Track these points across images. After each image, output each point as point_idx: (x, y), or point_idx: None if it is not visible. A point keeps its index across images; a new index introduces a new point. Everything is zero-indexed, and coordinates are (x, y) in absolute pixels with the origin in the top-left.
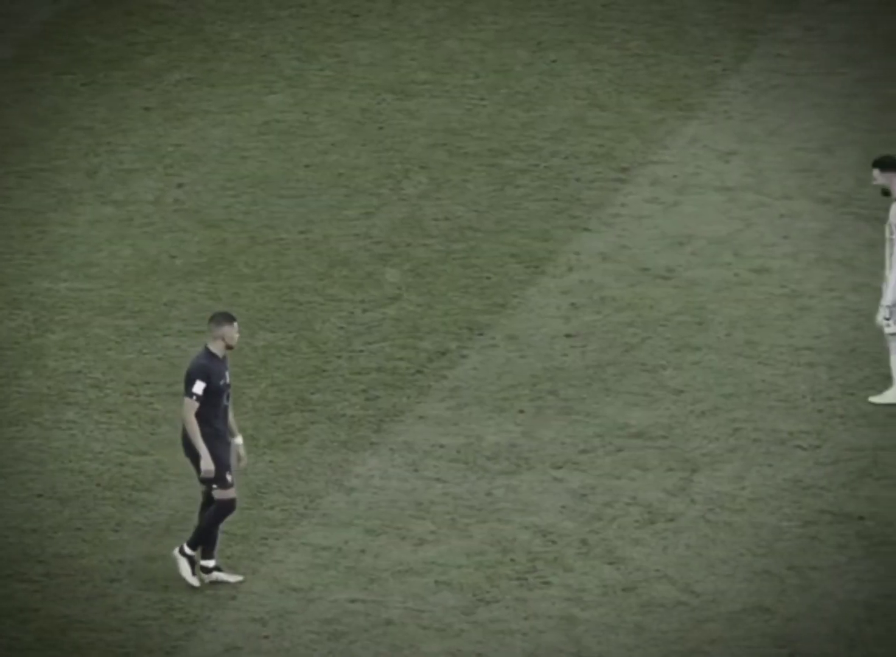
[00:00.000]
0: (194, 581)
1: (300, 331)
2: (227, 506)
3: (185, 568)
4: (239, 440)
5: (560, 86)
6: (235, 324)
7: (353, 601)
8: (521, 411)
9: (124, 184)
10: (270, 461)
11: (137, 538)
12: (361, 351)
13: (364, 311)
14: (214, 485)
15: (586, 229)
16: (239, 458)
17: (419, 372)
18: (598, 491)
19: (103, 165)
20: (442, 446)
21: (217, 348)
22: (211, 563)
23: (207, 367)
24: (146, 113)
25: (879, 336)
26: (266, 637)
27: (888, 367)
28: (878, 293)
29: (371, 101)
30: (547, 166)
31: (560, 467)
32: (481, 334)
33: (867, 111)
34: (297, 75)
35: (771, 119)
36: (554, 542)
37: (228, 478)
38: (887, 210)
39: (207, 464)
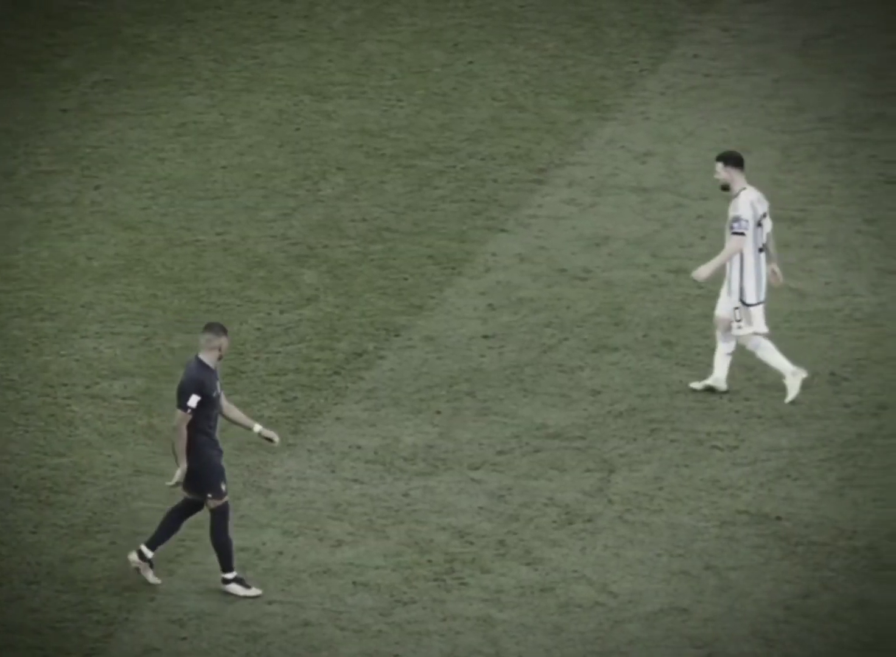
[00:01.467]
0: (254, 591)
1: None
2: (224, 513)
3: (239, 590)
4: (258, 427)
5: (477, 87)
6: (227, 335)
7: (270, 602)
8: (439, 412)
9: (42, 185)
10: None
11: (55, 540)
12: (278, 352)
13: (281, 312)
14: (209, 496)
15: (503, 230)
16: (270, 440)
17: (336, 373)
18: (516, 492)
19: (21, 167)
20: (359, 447)
21: (210, 359)
22: (150, 554)
23: (202, 381)
24: (63, 114)
25: (790, 335)
26: (184, 638)
27: (805, 366)
28: (794, 293)
29: (288, 103)
30: (464, 167)
31: (477, 468)
32: (398, 335)
33: (783, 112)
34: (215, 77)
35: (688, 120)
36: (471, 543)
37: (222, 487)
38: (802, 211)
39: (180, 475)
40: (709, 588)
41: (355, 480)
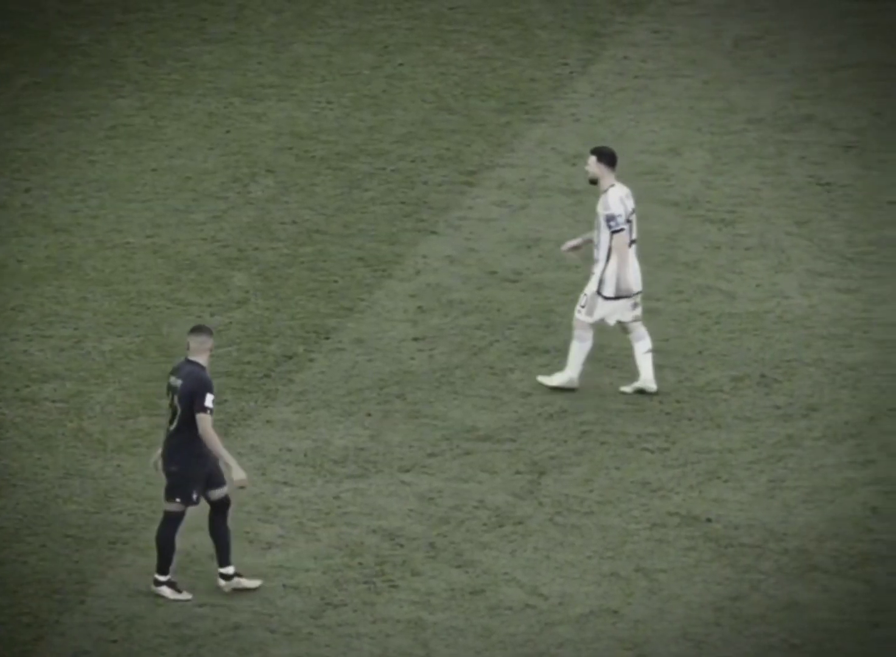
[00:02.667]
0: (185, 595)
1: (148, 335)
2: (179, 519)
3: (170, 594)
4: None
5: (407, 89)
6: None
7: (201, 605)
8: (369, 415)
9: None
10: (118, 465)
11: None
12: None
13: (211, 314)
14: (177, 499)
15: (434, 232)
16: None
17: (266, 376)
18: (446, 494)
19: None
20: (290, 450)
21: (204, 360)
22: (231, 570)
23: (210, 381)
24: None
25: (720, 337)
26: (114, 641)
27: (736, 368)
28: (725, 295)
29: (218, 105)
30: (394, 170)
31: (408, 471)
32: (328, 338)
33: (713, 114)
34: (145, 79)
35: (617, 122)
36: (402, 546)
37: (193, 495)
38: (732, 212)
39: (239, 472)
40: (639, 590)
41: (285, 483)
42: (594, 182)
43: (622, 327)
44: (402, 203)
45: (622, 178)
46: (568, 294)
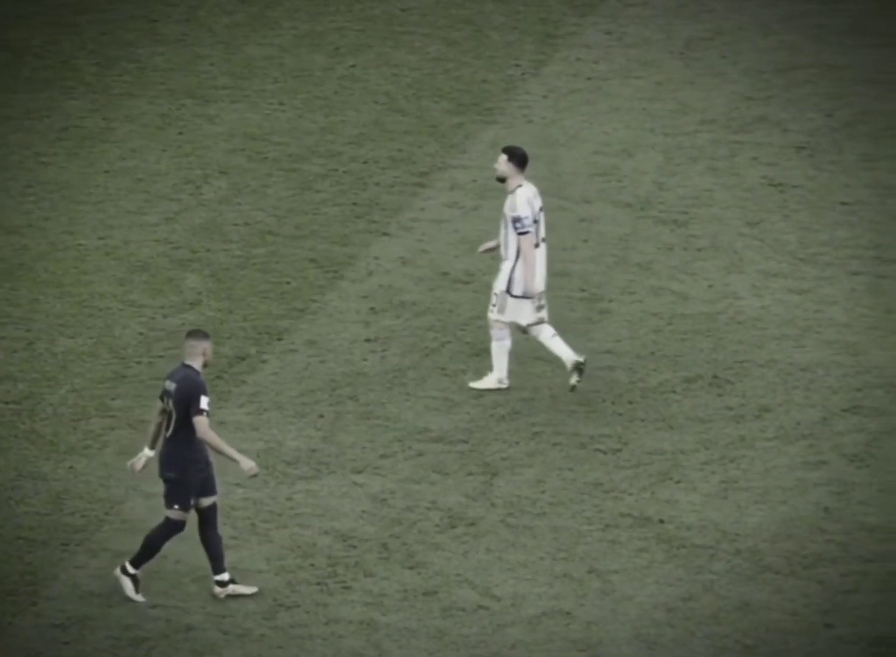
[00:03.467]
0: (139, 597)
1: (100, 336)
2: (177, 527)
3: (129, 588)
4: (151, 452)
5: (359, 90)
6: (210, 340)
7: (153, 606)
8: (321, 416)
9: None
10: (70, 467)
11: None
12: (161, 356)
13: (164, 316)
14: (175, 506)
15: (386, 234)
16: (134, 469)
17: (219, 377)
18: (399, 495)
19: None
20: (242, 451)
21: (197, 364)
22: (225, 577)
23: (204, 384)
24: None
25: (672, 338)
26: (67, 643)
27: (688, 369)
28: (677, 296)
29: (170, 107)
30: (346, 171)
31: (360, 472)
32: (281, 339)
33: (665, 115)
34: (97, 81)
35: (570, 123)
36: (354, 547)
37: (191, 502)
38: (684, 213)
39: (248, 462)
40: (591, 591)
41: (238, 484)
42: (502, 180)
43: (521, 330)
44: (355, 204)
45: (579, 179)
46: None
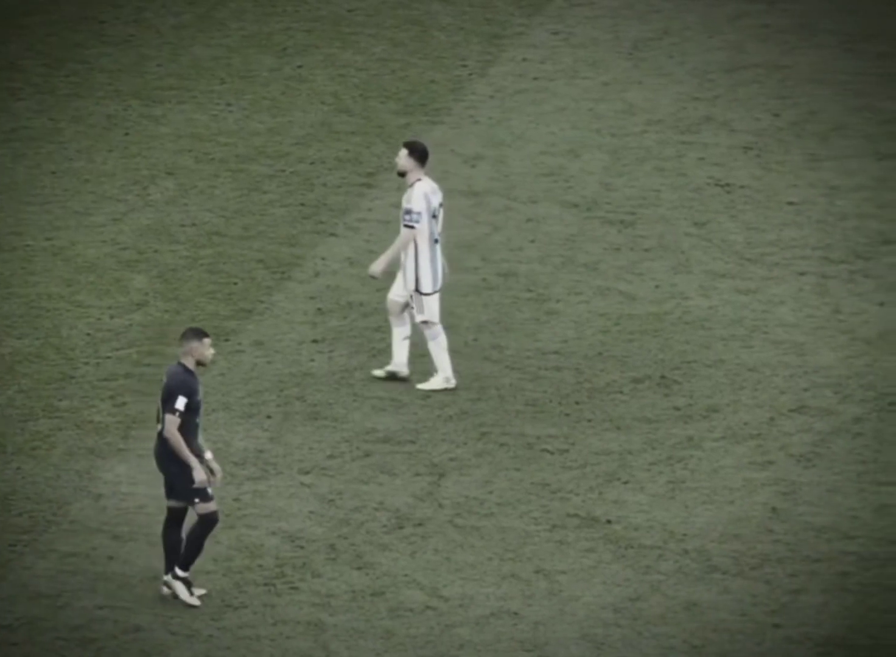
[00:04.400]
0: (194, 601)
1: (47, 337)
2: (212, 519)
3: (182, 591)
4: (209, 454)
5: (306, 91)
6: (206, 339)
7: (101, 607)
8: (269, 417)
9: None
10: (18, 468)
11: None
12: (109, 357)
13: (111, 317)
14: (196, 500)
15: (333, 234)
16: (213, 472)
17: None
18: (346, 496)
19: None
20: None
21: (189, 363)
22: (185, 574)
23: (187, 384)
24: None
25: (620, 339)
26: (15, 644)
27: (635, 370)
28: (625, 297)
29: (117, 108)
30: (293, 172)
31: (308, 472)
32: (228, 340)
33: (612, 115)
34: (44, 82)
35: (517, 123)
36: (302, 548)
37: (209, 490)
38: (631, 213)
39: (200, 474)
40: (539, 591)
41: None
42: (402, 174)
43: (392, 307)
44: (302, 205)
45: (526, 179)
46: (467, 295)
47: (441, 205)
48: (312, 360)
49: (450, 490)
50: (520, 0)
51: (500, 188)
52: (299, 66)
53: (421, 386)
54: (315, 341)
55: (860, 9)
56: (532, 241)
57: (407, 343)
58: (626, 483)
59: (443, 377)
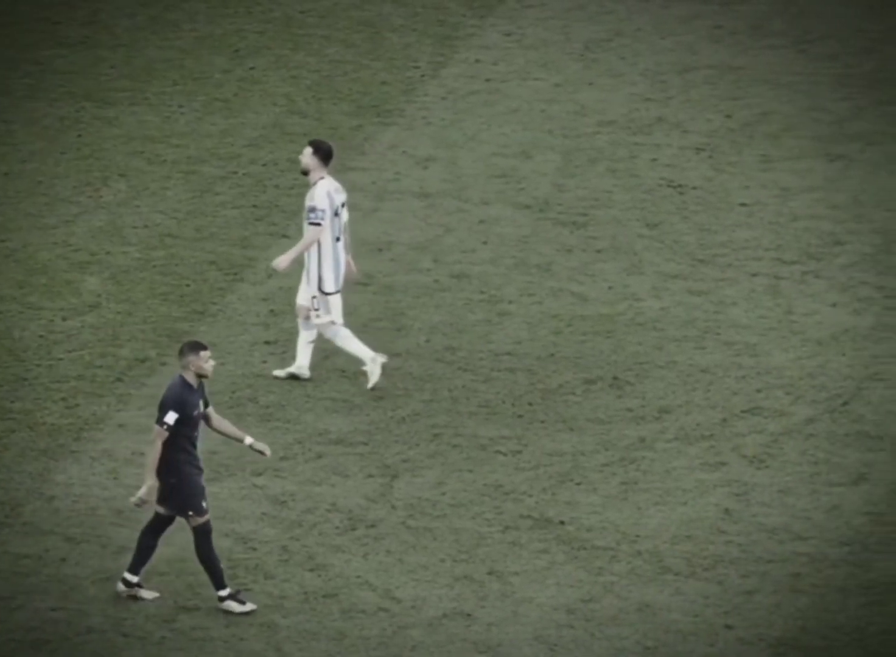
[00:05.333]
0: (249, 606)
1: None
2: (207, 531)
3: (235, 606)
4: (249, 439)
5: (258, 93)
6: (203, 352)
7: (54, 609)
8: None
9: None
10: None
11: None
12: (61, 359)
13: (63, 319)
14: (190, 513)
15: (285, 236)
16: (262, 452)
17: (119, 380)
18: (299, 497)
19: None
20: (142, 454)
21: (189, 376)
22: (135, 579)
23: (182, 397)
24: None
25: (572, 340)
26: None
27: (588, 371)
28: (577, 298)
29: (70, 109)
30: (246, 173)
31: (260, 474)
32: (180, 342)
33: (564, 116)
34: None
35: (469, 125)
36: (254, 549)
37: (203, 504)
38: (583, 214)
39: (145, 493)
40: (492, 592)
41: (138, 487)
42: (305, 173)
43: (300, 311)
44: (254, 207)
45: (478, 180)
46: (420, 297)
47: (344, 204)
48: (265, 362)
49: (402, 491)
50: (472, 2)
51: (453, 189)
52: (251, 68)
53: (368, 379)
54: (267, 343)
55: (812, 10)
56: (484, 243)
57: (311, 347)
58: (578, 484)
59: (370, 358)
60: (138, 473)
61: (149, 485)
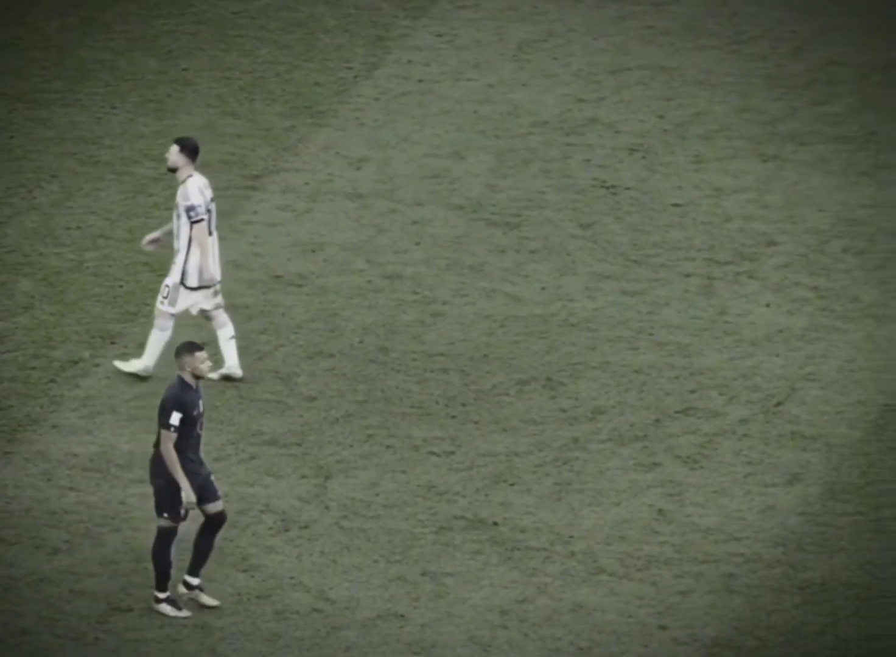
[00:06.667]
0: (184, 613)
1: None
2: (171, 535)
3: (169, 610)
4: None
5: (191, 94)
6: (198, 353)
7: None
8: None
9: None
10: None
11: None
12: None
13: None
14: (164, 514)
15: (219, 238)
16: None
17: (52, 381)
18: (232, 498)
19: None
20: (75, 455)
21: (187, 377)
22: (196, 581)
23: (181, 398)
24: None
25: (505, 341)
26: None
27: (521, 371)
28: (510, 298)
29: (2, 111)
30: None
31: None
32: (114, 343)
33: (497, 117)
34: None
35: (402, 125)
36: (188, 550)
37: (181, 511)
38: (517, 215)
39: (189, 495)
40: (426, 593)
41: (71, 488)
42: (173, 171)
43: (205, 315)
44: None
45: (411, 181)
46: (353, 298)
47: (213, 200)
48: None
49: (336, 492)
50: (404, 3)
51: (385, 190)
52: (184, 69)
53: (118, 363)
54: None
55: (744, 11)
56: (417, 244)
57: (233, 342)
58: (512, 485)
59: (144, 365)
60: (71, 474)
61: (187, 488)
